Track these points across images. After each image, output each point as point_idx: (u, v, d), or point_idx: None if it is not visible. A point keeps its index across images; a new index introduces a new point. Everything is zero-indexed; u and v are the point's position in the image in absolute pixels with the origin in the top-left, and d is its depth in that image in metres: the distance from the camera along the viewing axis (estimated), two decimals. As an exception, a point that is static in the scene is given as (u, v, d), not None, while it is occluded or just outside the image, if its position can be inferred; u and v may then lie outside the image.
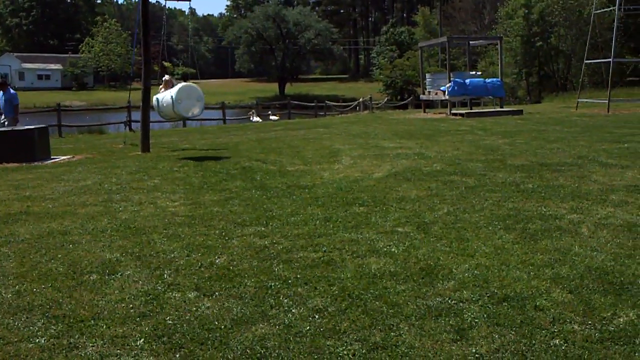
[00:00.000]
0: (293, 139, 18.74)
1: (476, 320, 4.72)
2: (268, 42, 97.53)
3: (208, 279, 5.80)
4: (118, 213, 8.71)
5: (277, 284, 5.64)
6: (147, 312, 5.06)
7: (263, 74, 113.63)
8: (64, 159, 15.42)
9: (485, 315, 4.80)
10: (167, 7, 42.28)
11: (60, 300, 5.37)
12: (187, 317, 4.94)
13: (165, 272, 6.04)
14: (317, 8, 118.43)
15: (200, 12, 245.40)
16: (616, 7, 31.79)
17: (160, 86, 16.60)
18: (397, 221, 7.74)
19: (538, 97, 52.61)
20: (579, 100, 33.32)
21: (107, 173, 12.54)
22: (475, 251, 6.42)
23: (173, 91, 15.18)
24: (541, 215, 7.88)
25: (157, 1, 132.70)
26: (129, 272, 6.05)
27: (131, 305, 5.20)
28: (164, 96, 15.84)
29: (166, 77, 16.03)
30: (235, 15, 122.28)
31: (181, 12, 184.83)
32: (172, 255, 6.56)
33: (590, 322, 4.66)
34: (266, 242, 6.96)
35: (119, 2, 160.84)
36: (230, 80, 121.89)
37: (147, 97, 16.99)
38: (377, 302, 5.11)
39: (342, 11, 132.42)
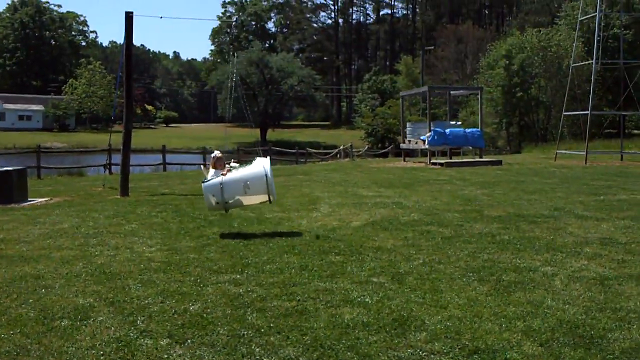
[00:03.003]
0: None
1: (447, 373, 4.74)
2: (251, 88, 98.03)
3: (181, 326, 5.79)
4: (94, 257, 8.68)
5: (249, 332, 5.63)
6: (118, 359, 5.03)
7: (245, 120, 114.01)
8: (41, 201, 15.35)
9: (455, 368, 4.82)
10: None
11: (29, 347, 5.33)
12: (157, 366, 4.92)
13: (139, 318, 6.02)
14: (300, 55, 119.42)
15: (184, 56, 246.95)
16: (593, 60, 32.33)
17: (208, 165, 11.78)
18: (373, 271, 7.76)
19: (518, 147, 53.13)
20: (558, 151, 33.67)
21: (84, 216, 12.50)
22: (448, 302, 6.44)
23: (260, 165, 10.70)
24: (516, 267, 7.94)
25: (141, 45, 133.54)
26: (101, 318, 6.02)
27: (102, 352, 5.17)
28: (236, 175, 10.71)
29: (217, 152, 11.19)
30: (218, 60, 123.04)
31: (164, 55, 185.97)
32: (147, 302, 6.54)
33: (560, 377, 4.69)
34: (241, 290, 6.95)
35: (104, 45, 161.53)
36: (213, 125, 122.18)
37: (128, 140, 17.00)
38: (348, 353, 5.12)
39: (325, 58, 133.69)
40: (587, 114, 31.91)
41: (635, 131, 58.16)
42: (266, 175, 10.44)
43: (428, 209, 13.00)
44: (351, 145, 44.44)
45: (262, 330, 5.69)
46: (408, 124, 33.31)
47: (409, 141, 31.52)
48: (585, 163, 29.40)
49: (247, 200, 10.79)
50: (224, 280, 7.38)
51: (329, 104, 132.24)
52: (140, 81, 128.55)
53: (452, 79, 75.15)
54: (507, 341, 5.37)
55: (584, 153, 30.77)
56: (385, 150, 48.70)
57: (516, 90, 53.76)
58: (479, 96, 34.53)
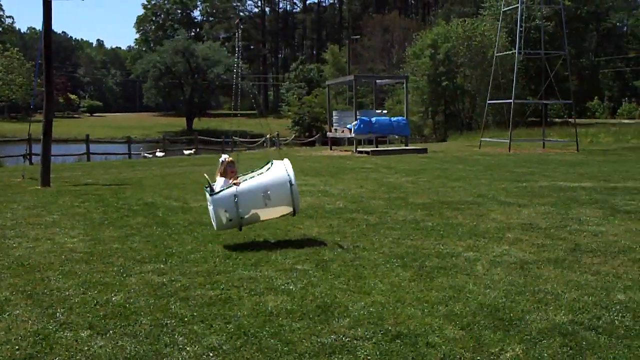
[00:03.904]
0: (198, 174, 18.59)
1: (369, 357, 4.78)
2: (177, 77, 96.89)
3: (103, 317, 5.69)
4: (11, 250, 8.45)
5: (173, 321, 5.58)
6: (35, 353, 4.92)
7: (171, 109, 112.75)
8: (-42, 193, 14.88)
9: (378, 353, 4.86)
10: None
11: (-57, 342, 5.16)
12: (77, 358, 4.82)
13: (58, 310, 5.89)
14: (226, 44, 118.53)
15: (108, 45, 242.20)
16: (516, 51, 33.00)
17: (218, 171, 9.07)
18: (297, 259, 7.77)
19: (444, 136, 53.93)
20: (482, 139, 34.30)
21: (1, 208, 12.16)
22: (372, 289, 6.50)
23: (281, 169, 8.75)
24: (439, 253, 8.05)
25: (63, 32, 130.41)
26: (18, 312, 5.87)
27: (17, 347, 5.03)
28: (252, 183, 8.71)
29: (226, 156, 9.24)
30: (144, 49, 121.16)
31: (88, 43, 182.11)
32: (67, 293, 6.41)
33: (479, 358, 4.79)
34: (164, 280, 6.87)
35: (22, 31, 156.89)
36: (138, 114, 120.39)
37: (48, 129, 16.59)
38: (272, 340, 5.12)
39: (252, 47, 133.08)
40: (511, 102, 32.58)
41: (557, 119, 59.66)
42: (290, 182, 8.56)
43: (353, 196, 13.09)
44: (277, 133, 44.39)
45: (186, 319, 5.64)
46: (334, 113, 33.45)
47: (336, 130, 31.67)
48: (509, 151, 30.08)
49: (266, 214, 8.86)
50: (147, 270, 7.28)
51: (256, 93, 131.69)
52: (62, 69, 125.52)
53: (379, 68, 75.74)
54: (429, 325, 5.44)
55: (508, 141, 31.44)
56: (312, 139, 48.80)
57: (442, 79, 54.53)
58: (404, 85, 34.89)
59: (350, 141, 31.24)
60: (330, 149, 32.40)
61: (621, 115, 73.02)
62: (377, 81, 38.86)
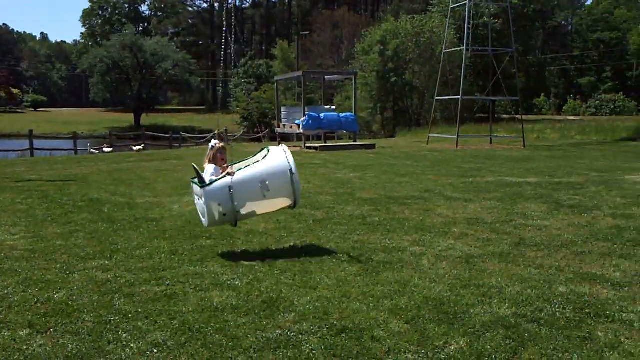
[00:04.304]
0: (145, 170, 18.42)
1: (314, 352, 4.79)
2: (124, 72, 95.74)
3: (44, 315, 5.59)
4: (-50, 247, 8.25)
5: (116, 318, 5.51)
6: (-28, 352, 4.81)
7: (118, 104, 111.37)
8: None
9: (323, 347, 4.87)
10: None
11: None
12: (15, 357, 4.73)
13: (-3, 309, 5.77)
14: (175, 39, 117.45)
15: (53, 38, 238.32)
16: (464, 47, 33.33)
17: (207, 157, 8.11)
18: (244, 254, 7.75)
19: (392, 132, 54.22)
20: (430, 135, 34.59)
21: (-58, 204, 11.87)
22: (318, 284, 6.50)
23: (280, 155, 7.88)
24: (385, 248, 8.10)
25: (4, 24, 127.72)
26: (-44, 310, 5.74)
27: (-46, 346, 4.92)
28: (248, 173, 7.72)
29: (216, 141, 8.14)
30: (90, 43, 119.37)
31: (31, 36, 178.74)
32: (6, 292, 6.27)
33: (423, 351, 4.82)
34: (109, 276, 6.78)
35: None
36: (85, 110, 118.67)
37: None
38: (217, 336, 5.09)
39: (200, 42, 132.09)
40: (458, 99, 32.90)
41: (505, 116, 60.49)
42: (291, 170, 7.70)
43: (301, 192, 13.06)
44: (226, 129, 44.17)
45: (130, 315, 5.57)
46: (283, 109, 33.44)
47: (284, 126, 31.66)
48: (457, 146, 30.38)
49: (264, 207, 7.97)
50: (91, 267, 7.18)
51: (204, 89, 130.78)
52: (3, 62, 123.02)
53: (328, 64, 75.89)
54: (374, 320, 5.47)
55: (455, 137, 31.76)
56: (261, 134, 48.67)
57: (390, 75, 54.79)
58: (353, 81, 35.01)
59: (298, 137, 31.23)
60: (279, 145, 32.31)
61: (566, 112, 74.40)
62: (326, 77, 38.92)
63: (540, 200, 12.05)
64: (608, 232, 9.05)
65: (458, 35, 50.85)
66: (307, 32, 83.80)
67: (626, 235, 8.90)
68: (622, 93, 79.51)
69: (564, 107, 78.18)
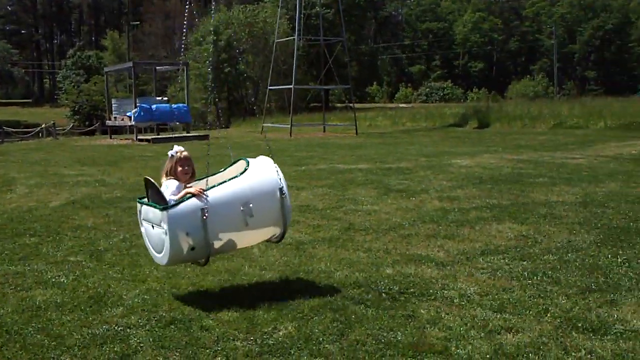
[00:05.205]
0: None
1: (142, 345, 4.71)
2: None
3: None
4: None
5: None
6: None
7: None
8: None
9: (151, 339, 4.80)
10: None
11: None
12: None
13: None
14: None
15: None
16: (295, 37, 33.69)
17: (164, 171, 6.03)
18: (70, 250, 7.50)
19: (227, 122, 54.00)
20: (264, 124, 34.75)
21: None
22: (147, 276, 6.40)
23: (268, 168, 6.09)
24: (216, 238, 8.06)
25: None
26: None
27: None
28: (226, 191, 5.74)
29: (179, 147, 6.01)
30: None
31: None
32: None
33: (252, 338, 4.85)
34: None
35: None
36: None
37: None
38: (38, 336, 4.89)
39: (23, 32, 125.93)
40: (291, 88, 33.24)
41: (339, 104, 61.69)
42: (281, 189, 5.91)
43: (132, 185, 12.80)
44: (54, 123, 42.44)
45: (-58, 321, 5.25)
46: (114, 101, 32.60)
47: (115, 118, 30.88)
48: (290, 135, 30.71)
49: (245, 238, 5.99)
50: None
51: (29, 81, 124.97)
52: None
53: (161, 55, 74.55)
54: (203, 309, 5.44)
55: (289, 126, 32.08)
56: (92, 127, 47.18)
57: (224, 65, 54.53)
58: (185, 72, 34.64)
59: (131, 129, 30.50)
60: (110, 138, 31.46)
61: (398, 99, 77.01)
62: (157, 68, 38.29)
63: (370, 185, 12.37)
64: (434, 215, 9.43)
65: (291, 25, 51.33)
66: (138, 23, 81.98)
67: (450, 216, 9.31)
68: (450, 81, 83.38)
69: (396, 95, 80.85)
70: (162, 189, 5.72)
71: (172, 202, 5.52)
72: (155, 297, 5.74)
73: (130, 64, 32.95)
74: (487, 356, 4.47)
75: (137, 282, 6.20)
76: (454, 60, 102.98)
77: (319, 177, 13.67)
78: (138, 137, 28.31)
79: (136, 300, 5.67)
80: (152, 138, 27.86)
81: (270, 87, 36.44)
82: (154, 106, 28.61)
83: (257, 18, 54.31)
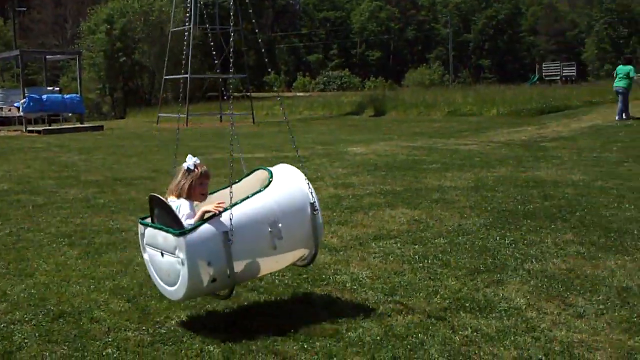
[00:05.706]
0: None
1: (27, 341, 4.56)
2: None
3: None
4: None
5: None
6: None
7: None
8: None
9: (37, 334, 4.66)
10: None
11: None
12: None
13: None
14: None
15: None
16: (191, 25, 33.27)
17: (175, 187, 5.01)
18: (-49, 246, 7.21)
19: (123, 113, 52.95)
20: (160, 114, 34.22)
21: None
22: (35, 270, 6.22)
23: (296, 180, 5.28)
24: (108, 229, 7.93)
25: None
26: None
27: None
28: (251, 208, 4.82)
29: (194, 160, 5.13)
30: None
31: None
32: None
33: (144, 328, 4.79)
34: None
35: None
36: None
37: None
38: None
39: None
40: (187, 77, 32.87)
41: (236, 94, 61.31)
42: (313, 205, 5.09)
43: (20, 177, 12.44)
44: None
45: None
46: (0, 91, 31.53)
47: (2, 109, 29.94)
48: (187, 125, 30.35)
49: (271, 264, 5.09)
50: None
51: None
52: None
53: (51, 44, 72.36)
54: (94, 301, 5.33)
55: (185, 116, 31.73)
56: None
57: (119, 55, 53.39)
58: (77, 61, 33.80)
59: (20, 120, 29.54)
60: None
61: (296, 88, 77.01)
62: (48, 57, 37.22)
63: (266, 174, 12.35)
64: (328, 201, 9.50)
65: (187, 14, 50.66)
66: (25, 9, 79.19)
67: (345, 203, 9.42)
68: (347, 69, 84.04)
69: (294, 84, 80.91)
70: (177, 209, 4.77)
71: (193, 226, 4.56)
72: (43, 291, 5.58)
73: (17, 52, 31.89)
74: (378, 338, 4.54)
75: (24, 277, 6.01)
76: (351, 49, 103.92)
77: (215, 167, 13.49)
78: (28, 129, 27.44)
79: (22, 295, 5.50)
80: (43, 129, 27.05)
81: (166, 77, 35.93)
82: (44, 96, 27.82)
83: (153, 7, 53.35)
